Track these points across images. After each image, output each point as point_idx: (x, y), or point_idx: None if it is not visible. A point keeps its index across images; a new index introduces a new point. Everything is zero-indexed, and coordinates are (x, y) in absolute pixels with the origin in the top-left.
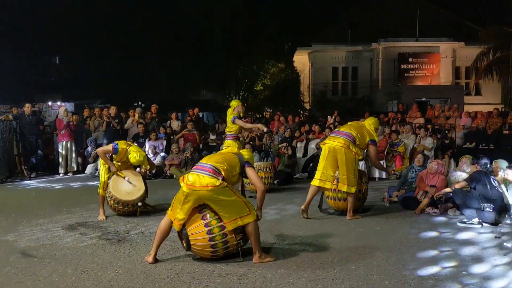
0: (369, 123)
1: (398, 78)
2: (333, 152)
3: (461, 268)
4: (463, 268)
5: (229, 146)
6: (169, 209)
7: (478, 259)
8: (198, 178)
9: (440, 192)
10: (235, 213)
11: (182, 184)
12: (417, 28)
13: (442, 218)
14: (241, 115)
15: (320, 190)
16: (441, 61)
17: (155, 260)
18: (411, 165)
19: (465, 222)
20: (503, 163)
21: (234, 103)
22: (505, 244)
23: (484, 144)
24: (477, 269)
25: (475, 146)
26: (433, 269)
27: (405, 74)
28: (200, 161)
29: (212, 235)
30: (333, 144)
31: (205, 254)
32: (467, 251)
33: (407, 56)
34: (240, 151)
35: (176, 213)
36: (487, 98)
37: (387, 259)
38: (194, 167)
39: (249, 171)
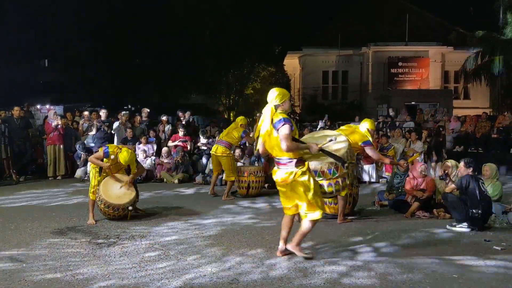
0: (364, 125)
1: (388, 82)
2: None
3: (450, 271)
4: (453, 271)
5: (227, 154)
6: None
7: (466, 263)
8: None
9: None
10: None
11: None
12: (406, 33)
13: (432, 222)
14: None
15: None
16: (430, 65)
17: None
18: (394, 172)
19: (454, 226)
20: (492, 167)
21: (241, 121)
22: (494, 247)
23: (473, 148)
24: (468, 273)
25: (464, 149)
26: (423, 273)
27: (395, 78)
28: None
29: None
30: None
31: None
32: (454, 254)
33: (397, 60)
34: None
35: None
36: (476, 102)
37: (377, 263)
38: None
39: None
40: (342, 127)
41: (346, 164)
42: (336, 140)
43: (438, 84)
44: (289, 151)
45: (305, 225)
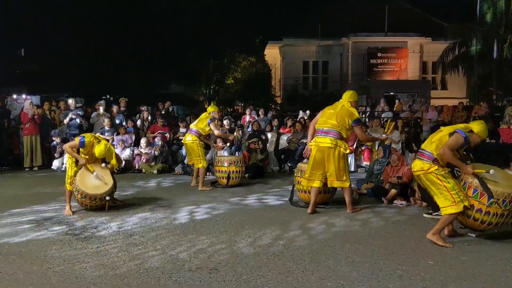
0: (346, 99)
1: (367, 72)
2: (321, 153)
3: (426, 260)
4: (428, 259)
5: (193, 140)
6: None
7: (443, 250)
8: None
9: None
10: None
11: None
12: (385, 24)
13: (409, 210)
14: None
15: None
16: (408, 56)
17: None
18: (376, 159)
19: (431, 213)
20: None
21: (211, 108)
22: (469, 234)
23: None
24: (443, 261)
25: None
26: (399, 260)
27: (374, 69)
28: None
29: None
30: (320, 144)
31: None
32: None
33: (376, 51)
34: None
35: None
36: (453, 93)
37: (355, 250)
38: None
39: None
40: (327, 109)
41: (492, 201)
42: (493, 174)
43: (416, 74)
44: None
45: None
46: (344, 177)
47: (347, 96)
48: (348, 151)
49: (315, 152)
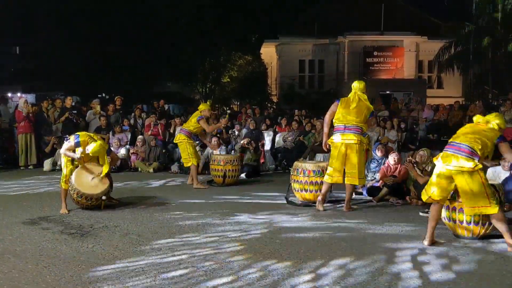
0: (361, 89)
1: (364, 71)
2: (345, 149)
3: (422, 259)
4: (424, 259)
5: (181, 140)
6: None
7: (436, 249)
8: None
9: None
10: (477, 201)
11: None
12: (382, 22)
13: (405, 208)
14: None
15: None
16: (404, 55)
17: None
18: (373, 157)
19: (426, 212)
20: None
21: (202, 106)
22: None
23: (445, 136)
24: (439, 260)
25: (437, 138)
26: (395, 259)
27: (370, 67)
28: (454, 141)
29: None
30: (346, 141)
31: None
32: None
33: (372, 49)
34: None
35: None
36: (449, 92)
37: (352, 248)
38: (448, 146)
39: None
40: (342, 104)
41: None
42: None
43: (412, 73)
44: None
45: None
46: (363, 174)
47: (362, 87)
48: (368, 147)
49: (339, 148)
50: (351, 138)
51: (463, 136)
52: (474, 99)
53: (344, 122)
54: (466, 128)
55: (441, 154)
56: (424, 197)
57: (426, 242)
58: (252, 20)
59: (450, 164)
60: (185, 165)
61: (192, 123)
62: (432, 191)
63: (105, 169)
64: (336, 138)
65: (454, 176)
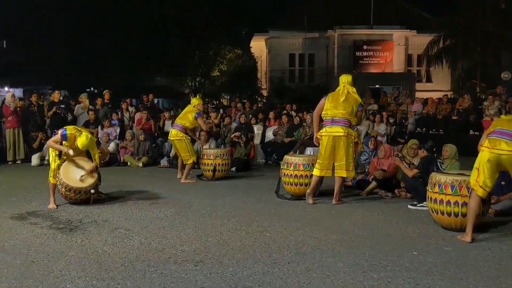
0: (349, 82)
1: (353, 65)
2: (333, 142)
3: (411, 250)
4: (413, 250)
5: (180, 137)
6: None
7: (427, 241)
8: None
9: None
10: None
11: (486, 150)
12: (371, 16)
13: (394, 201)
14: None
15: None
16: (394, 49)
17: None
18: (363, 150)
19: (415, 205)
20: (452, 147)
21: (195, 101)
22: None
23: (434, 130)
24: (427, 251)
25: (425, 131)
26: (384, 251)
27: (360, 61)
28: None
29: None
30: (333, 134)
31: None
32: (416, 231)
33: (362, 43)
34: None
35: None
36: (438, 85)
37: (341, 241)
38: (497, 132)
39: None
40: (330, 98)
41: None
42: None
43: (401, 67)
44: None
45: None
46: (351, 167)
47: (349, 80)
48: (357, 140)
49: (327, 142)
50: (338, 131)
51: (507, 124)
52: (462, 92)
53: (331, 116)
54: (503, 120)
55: (485, 142)
56: (480, 192)
57: (467, 239)
58: (242, 14)
59: (503, 149)
60: (185, 162)
61: (189, 119)
62: (483, 182)
63: (97, 158)
64: (325, 131)
65: (504, 161)
